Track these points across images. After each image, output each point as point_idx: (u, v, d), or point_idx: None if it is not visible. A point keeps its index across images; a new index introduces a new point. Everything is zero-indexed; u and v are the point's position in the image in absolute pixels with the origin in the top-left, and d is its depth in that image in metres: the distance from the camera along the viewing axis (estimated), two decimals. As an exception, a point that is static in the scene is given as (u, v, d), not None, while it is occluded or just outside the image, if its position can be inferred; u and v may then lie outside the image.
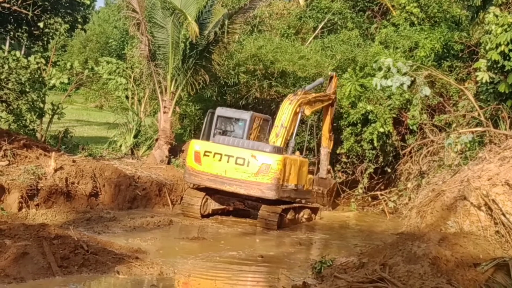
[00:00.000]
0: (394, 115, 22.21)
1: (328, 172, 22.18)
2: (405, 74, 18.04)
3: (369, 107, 22.01)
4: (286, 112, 18.71)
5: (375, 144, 21.97)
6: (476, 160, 14.18)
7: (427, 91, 18.18)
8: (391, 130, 21.98)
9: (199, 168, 17.96)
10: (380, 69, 16.79)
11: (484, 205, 11.77)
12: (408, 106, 21.71)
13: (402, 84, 17.22)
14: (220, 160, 17.68)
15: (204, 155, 17.94)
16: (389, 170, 22.66)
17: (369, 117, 22.33)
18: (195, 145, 18.32)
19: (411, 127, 20.86)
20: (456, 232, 11.74)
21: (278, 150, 17.75)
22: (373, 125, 22.02)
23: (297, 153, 19.80)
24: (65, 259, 11.05)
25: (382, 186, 23.44)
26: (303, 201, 19.49)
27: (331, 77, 21.62)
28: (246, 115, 19.37)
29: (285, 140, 18.53)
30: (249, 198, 18.43)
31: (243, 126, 19.16)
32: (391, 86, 17.07)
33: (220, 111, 19.68)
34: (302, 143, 22.44)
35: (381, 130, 21.79)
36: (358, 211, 22.42)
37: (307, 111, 19.60)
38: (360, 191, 22.73)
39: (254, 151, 17.48)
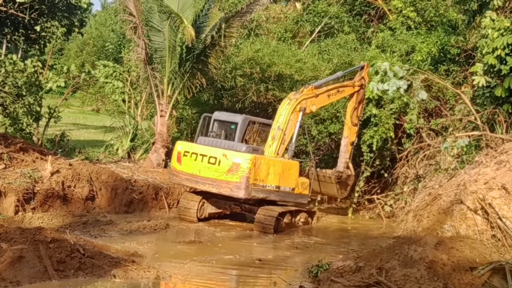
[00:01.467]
0: (394, 119, 22.17)
1: (347, 166, 21.08)
2: (401, 78, 18.09)
3: (374, 111, 21.90)
4: (283, 113, 18.67)
5: (374, 148, 21.94)
6: (473, 164, 14.21)
7: (423, 95, 18.23)
8: (392, 136, 21.92)
9: (179, 168, 18.33)
10: (377, 73, 16.82)
11: (480, 209, 11.80)
12: (406, 110, 21.69)
13: (398, 88, 17.26)
14: (195, 160, 18.00)
15: (184, 155, 18.30)
16: (385, 174, 22.62)
17: (372, 119, 22.21)
18: (178, 146, 18.73)
19: (408, 131, 20.86)
20: (452, 236, 11.76)
21: (253, 150, 17.88)
22: (374, 128, 21.94)
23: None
24: (61, 262, 11.04)
25: (378, 189, 23.41)
26: (290, 203, 19.05)
27: (362, 67, 20.91)
28: (238, 118, 19.34)
29: (282, 142, 18.50)
30: (233, 200, 18.50)
31: (234, 129, 19.21)
32: (388, 90, 17.09)
33: (217, 114, 19.68)
34: (300, 146, 22.37)
35: (383, 135, 21.64)
36: (354, 215, 22.39)
37: (314, 107, 19.36)
38: (356, 194, 22.69)
39: (225, 151, 17.68)
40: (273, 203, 18.39)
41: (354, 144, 21.36)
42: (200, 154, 17.93)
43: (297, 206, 19.17)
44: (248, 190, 17.33)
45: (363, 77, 20.63)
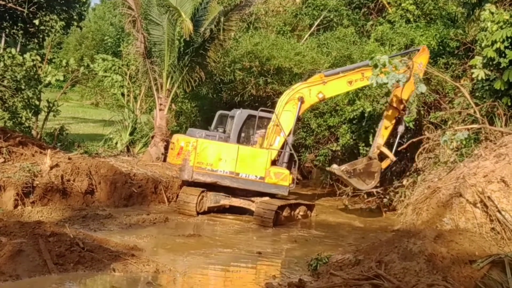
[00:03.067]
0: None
1: (379, 151, 19.41)
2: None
3: (368, 109, 21.92)
4: (279, 104, 18.79)
5: (371, 142, 21.94)
6: (472, 157, 14.22)
7: (423, 88, 18.18)
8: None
9: (168, 158, 20.19)
10: (376, 66, 16.78)
11: (479, 202, 11.80)
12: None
13: (398, 81, 17.23)
14: (172, 149, 19.55)
15: (170, 146, 20.17)
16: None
17: (366, 114, 22.29)
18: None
19: (407, 124, 20.88)
20: (451, 229, 11.77)
21: (205, 135, 19.02)
22: (369, 122, 21.98)
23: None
24: (60, 256, 11.04)
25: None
26: (259, 193, 18.84)
27: (418, 50, 19.97)
28: (235, 111, 19.53)
29: (277, 134, 18.56)
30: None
31: (231, 122, 19.42)
32: (387, 83, 17.05)
33: (224, 112, 20.62)
34: (298, 140, 22.33)
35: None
36: (353, 208, 22.39)
37: (321, 95, 19.09)
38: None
39: (181, 136, 19.14)
40: (238, 190, 18.67)
41: (395, 130, 19.73)
42: (172, 142, 19.78)
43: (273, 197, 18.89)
44: (189, 172, 18.10)
45: (411, 59, 19.34)
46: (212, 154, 18.22)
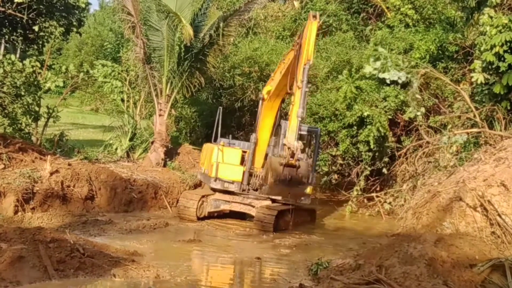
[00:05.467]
0: (390, 117, 22.19)
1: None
2: (402, 70, 18.09)
3: (365, 112, 21.95)
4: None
5: (372, 146, 21.96)
6: (472, 161, 14.20)
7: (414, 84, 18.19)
8: (387, 133, 21.97)
9: None
10: (378, 58, 16.76)
11: (479, 206, 11.79)
12: (404, 108, 21.73)
13: (398, 78, 17.26)
14: None
15: None
16: (385, 172, 22.64)
17: (365, 119, 22.32)
18: None
19: (407, 118, 20.88)
20: (452, 233, 11.75)
21: None
22: (369, 127, 22.01)
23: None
24: (61, 262, 11.03)
25: (377, 187, 23.43)
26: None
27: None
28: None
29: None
30: None
31: None
32: (387, 79, 17.06)
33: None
34: None
35: (377, 134, 21.70)
36: (354, 213, 22.40)
37: (269, 87, 18.92)
38: (355, 193, 22.72)
39: None
40: None
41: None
42: None
43: None
44: None
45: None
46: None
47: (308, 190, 18.68)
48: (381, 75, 16.82)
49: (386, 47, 24.61)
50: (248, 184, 18.76)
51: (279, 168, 15.73)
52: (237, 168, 18.67)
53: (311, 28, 16.36)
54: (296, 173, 15.84)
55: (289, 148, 15.47)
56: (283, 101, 19.83)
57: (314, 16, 16.54)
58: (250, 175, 18.84)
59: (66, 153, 21.66)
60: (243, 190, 18.78)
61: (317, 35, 29.26)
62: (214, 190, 18.86)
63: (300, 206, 19.59)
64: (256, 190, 18.71)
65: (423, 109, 21.21)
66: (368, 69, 18.76)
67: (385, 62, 16.82)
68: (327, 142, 24.32)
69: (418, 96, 18.85)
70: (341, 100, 22.99)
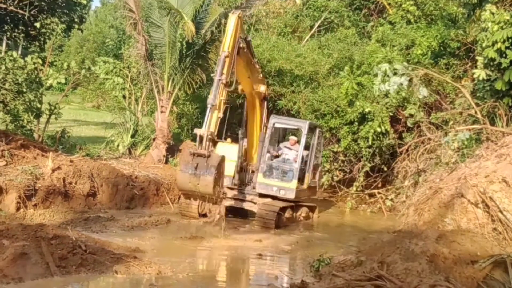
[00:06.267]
0: (391, 114, 22.19)
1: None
2: (403, 75, 18.08)
3: (367, 109, 21.95)
4: None
5: (371, 142, 21.97)
6: (473, 158, 14.19)
7: (424, 92, 18.20)
8: (388, 129, 21.97)
9: None
10: (376, 75, 16.82)
11: (481, 202, 11.78)
12: (405, 104, 21.72)
13: (401, 85, 17.27)
14: None
15: None
16: (385, 169, 22.64)
17: (366, 116, 22.31)
18: None
19: (410, 125, 20.89)
20: (453, 229, 11.74)
21: None
22: (370, 123, 22.01)
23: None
24: (63, 259, 11.05)
25: (379, 184, 23.43)
26: None
27: None
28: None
29: None
30: None
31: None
32: (389, 90, 17.11)
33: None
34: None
35: (378, 129, 21.72)
36: (355, 209, 22.41)
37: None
38: (354, 188, 22.73)
39: None
40: None
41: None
42: None
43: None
44: None
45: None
46: None
47: (292, 184, 18.66)
48: (383, 88, 16.87)
49: (387, 43, 24.63)
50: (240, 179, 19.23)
51: (188, 157, 15.38)
52: (229, 163, 18.60)
53: (229, 20, 16.77)
54: (206, 163, 15.10)
55: (200, 136, 15.38)
56: (266, 98, 20.50)
57: (236, 10, 17.34)
58: (241, 170, 19.20)
59: (68, 150, 21.70)
60: (235, 185, 19.01)
61: (318, 31, 29.38)
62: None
63: (301, 202, 19.62)
64: (248, 184, 19.32)
65: (422, 113, 21.22)
66: (376, 89, 18.76)
67: (384, 75, 16.86)
68: (328, 139, 24.32)
69: (419, 96, 18.84)
70: (342, 96, 23.01)
